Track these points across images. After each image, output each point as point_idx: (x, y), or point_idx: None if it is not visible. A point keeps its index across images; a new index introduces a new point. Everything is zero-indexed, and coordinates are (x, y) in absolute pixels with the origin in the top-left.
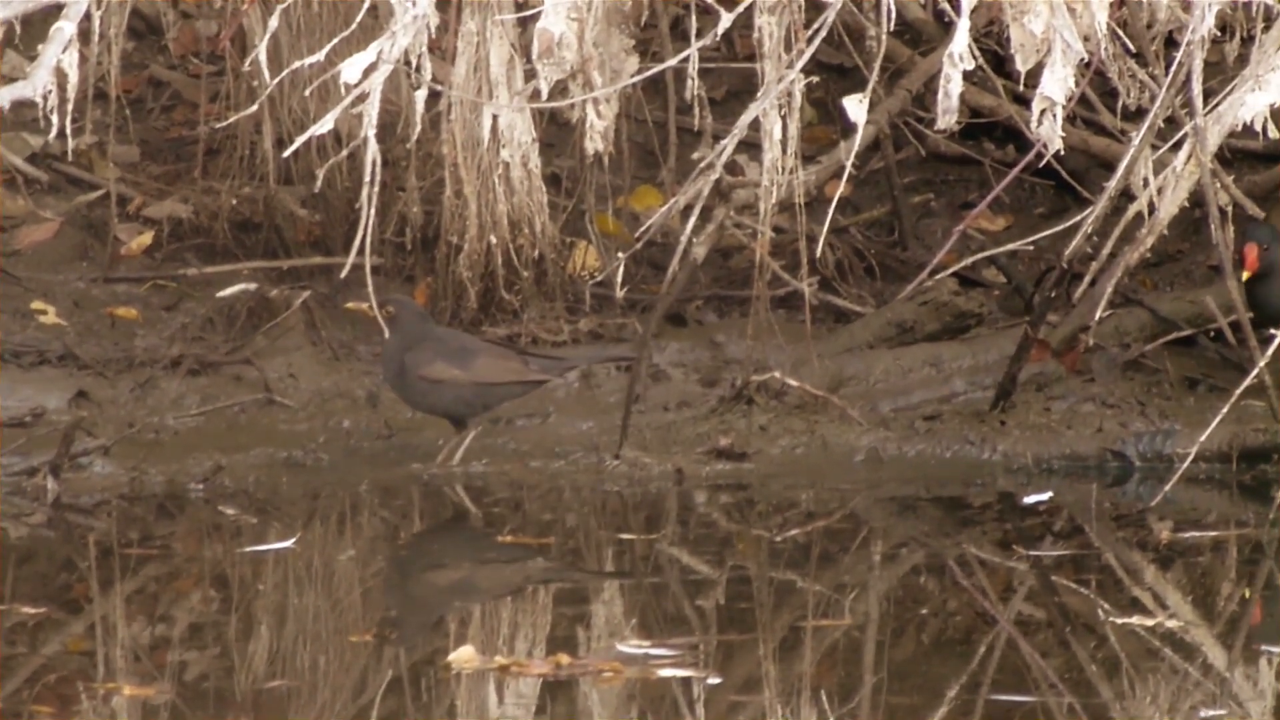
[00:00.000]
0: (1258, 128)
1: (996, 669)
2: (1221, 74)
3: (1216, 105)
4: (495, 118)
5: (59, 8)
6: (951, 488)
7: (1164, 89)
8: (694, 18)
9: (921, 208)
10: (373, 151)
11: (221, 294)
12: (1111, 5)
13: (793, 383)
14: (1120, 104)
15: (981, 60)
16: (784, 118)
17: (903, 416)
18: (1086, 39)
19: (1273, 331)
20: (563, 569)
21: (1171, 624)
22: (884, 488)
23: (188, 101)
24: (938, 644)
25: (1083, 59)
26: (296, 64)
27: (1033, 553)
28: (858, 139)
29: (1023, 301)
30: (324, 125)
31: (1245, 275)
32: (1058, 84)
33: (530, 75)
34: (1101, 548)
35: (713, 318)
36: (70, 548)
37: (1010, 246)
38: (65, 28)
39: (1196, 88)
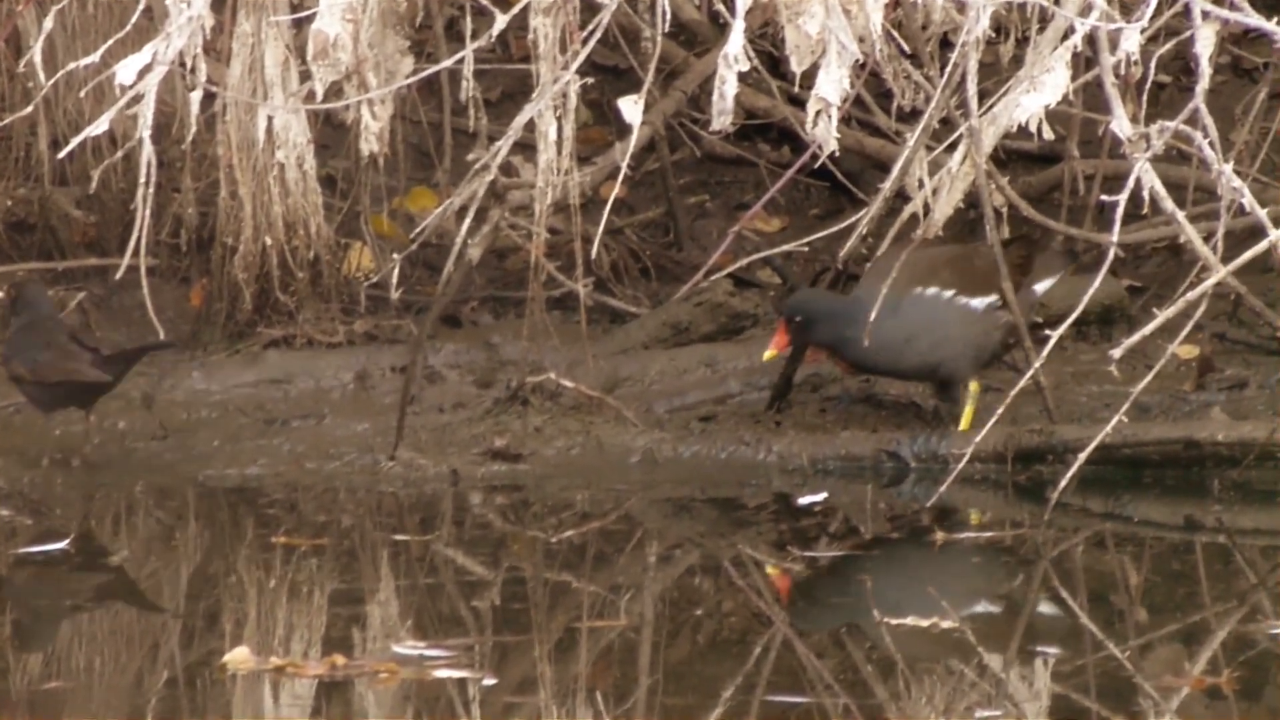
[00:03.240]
0: (1033, 129)
1: (772, 670)
2: (996, 75)
3: (991, 106)
4: (270, 119)
5: None
6: (727, 489)
7: (939, 90)
8: (469, 19)
9: (697, 209)
10: (148, 153)
11: None
12: (886, 6)
13: (568, 384)
14: (895, 105)
15: (757, 61)
16: (559, 119)
17: (678, 417)
18: (861, 40)
19: (1047, 332)
20: (337, 570)
21: (946, 624)
22: (659, 489)
23: None
24: (713, 645)
25: (858, 60)
26: (72, 65)
27: (808, 553)
28: (633, 140)
29: None
30: (99, 126)
31: (771, 354)
32: (833, 85)
33: (305, 76)
34: (877, 548)
35: (488, 319)
36: None
37: (785, 248)
38: None
39: (971, 89)
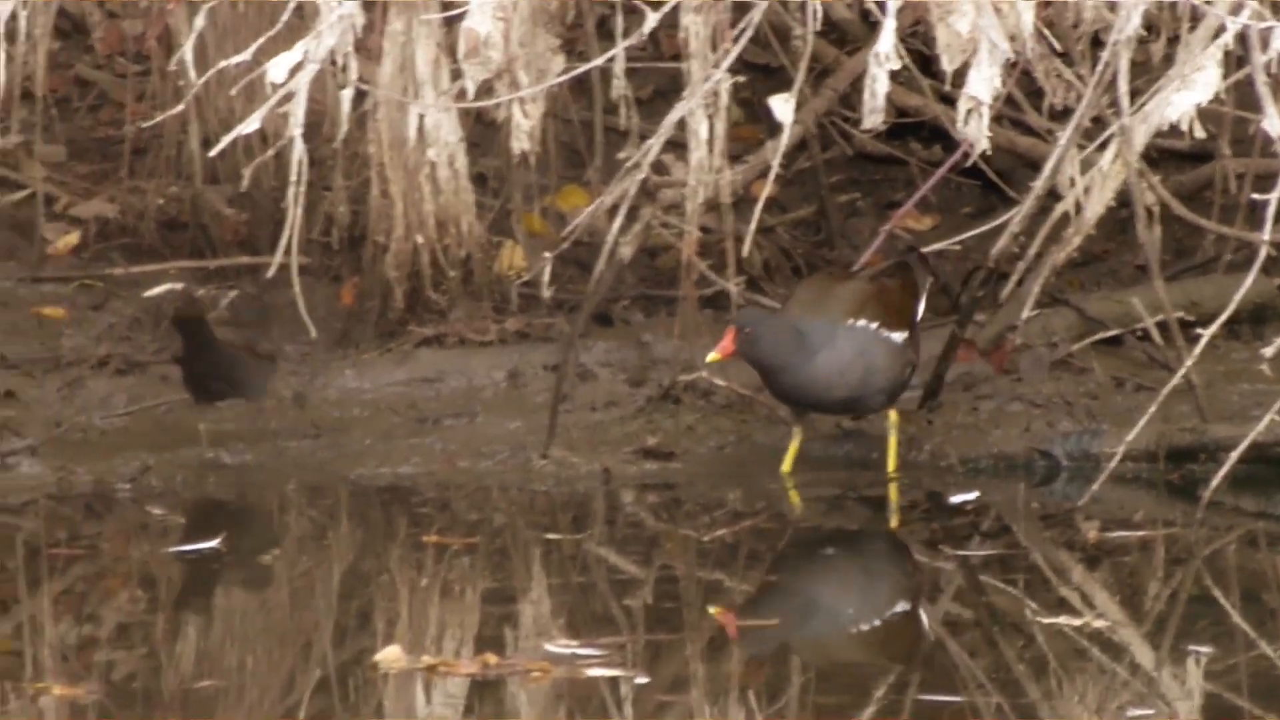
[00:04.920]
0: (1184, 127)
1: (924, 668)
2: (1148, 74)
3: (1143, 105)
4: (421, 117)
5: None
6: (879, 487)
7: (1090, 88)
8: (620, 17)
9: (848, 207)
10: (299, 151)
11: (148, 293)
12: (1038, 5)
13: (720, 382)
14: (1047, 103)
15: (908, 60)
16: (710, 117)
17: (829, 416)
18: (1013, 38)
19: (1199, 331)
20: (489, 569)
21: (1099, 623)
22: (811, 487)
23: (114, 101)
24: (866, 643)
25: (1009, 58)
26: (223, 63)
27: (960, 552)
28: (784, 139)
29: (950, 301)
30: (250, 125)
31: (714, 357)
32: (984, 84)
33: (456, 75)
34: (1029, 547)
35: (640, 317)
36: None
37: (937, 246)
38: None
39: (1123, 87)
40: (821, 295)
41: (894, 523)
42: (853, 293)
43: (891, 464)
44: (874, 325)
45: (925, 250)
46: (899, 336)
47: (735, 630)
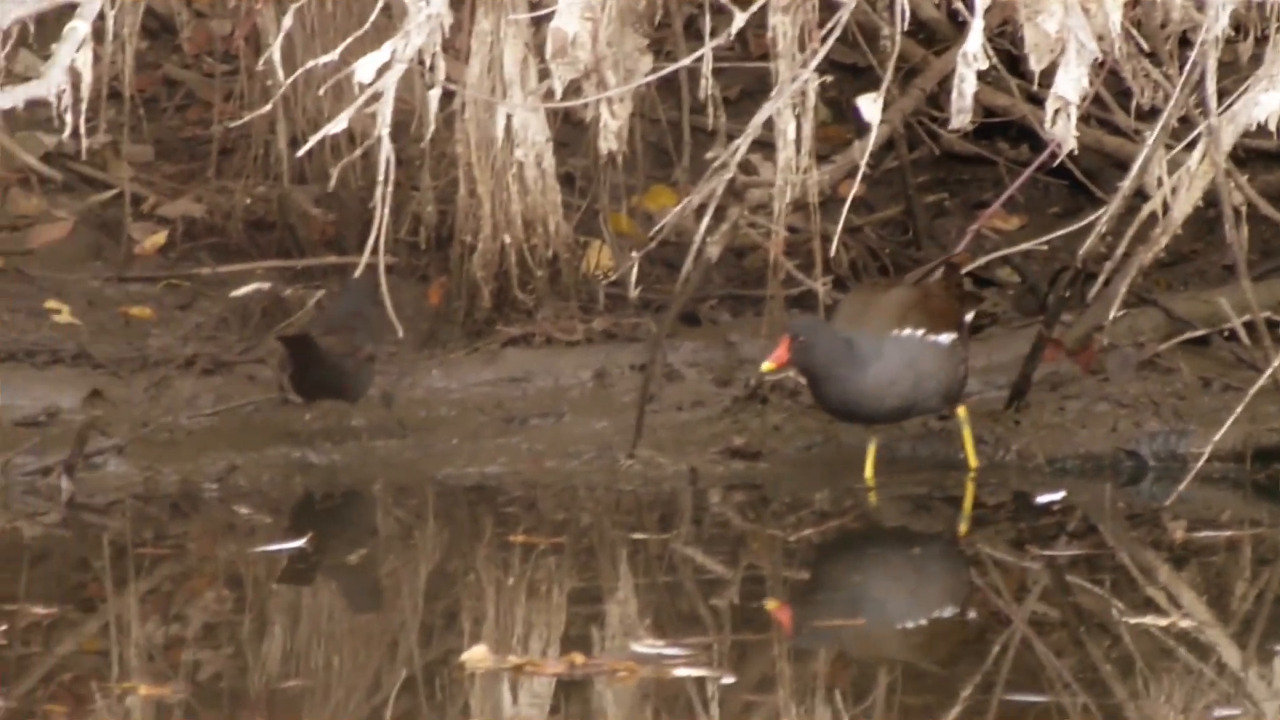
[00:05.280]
0: (1272, 127)
1: (1011, 668)
2: (1235, 73)
3: (1231, 105)
4: (509, 117)
5: (73, 7)
6: (965, 487)
7: (1178, 88)
8: (708, 17)
9: (936, 207)
10: (387, 151)
11: (235, 293)
12: (1126, 5)
13: (806, 381)
14: (1134, 103)
15: (995, 60)
16: (798, 117)
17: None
18: (1101, 38)
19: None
20: (575, 568)
21: (1186, 623)
22: (897, 487)
23: (202, 101)
24: (952, 643)
25: (1097, 58)
26: (310, 63)
27: (1047, 552)
28: (872, 138)
29: (1037, 301)
30: (338, 124)
31: (769, 367)
32: (1072, 83)
33: (544, 74)
34: (1115, 547)
35: (727, 317)
36: (84, 547)
37: (1024, 246)
38: (79, 27)
39: (1211, 87)
40: (865, 307)
41: (977, 523)
42: (896, 302)
43: (971, 459)
44: (920, 332)
45: (1013, 250)
46: (947, 338)
47: (788, 624)
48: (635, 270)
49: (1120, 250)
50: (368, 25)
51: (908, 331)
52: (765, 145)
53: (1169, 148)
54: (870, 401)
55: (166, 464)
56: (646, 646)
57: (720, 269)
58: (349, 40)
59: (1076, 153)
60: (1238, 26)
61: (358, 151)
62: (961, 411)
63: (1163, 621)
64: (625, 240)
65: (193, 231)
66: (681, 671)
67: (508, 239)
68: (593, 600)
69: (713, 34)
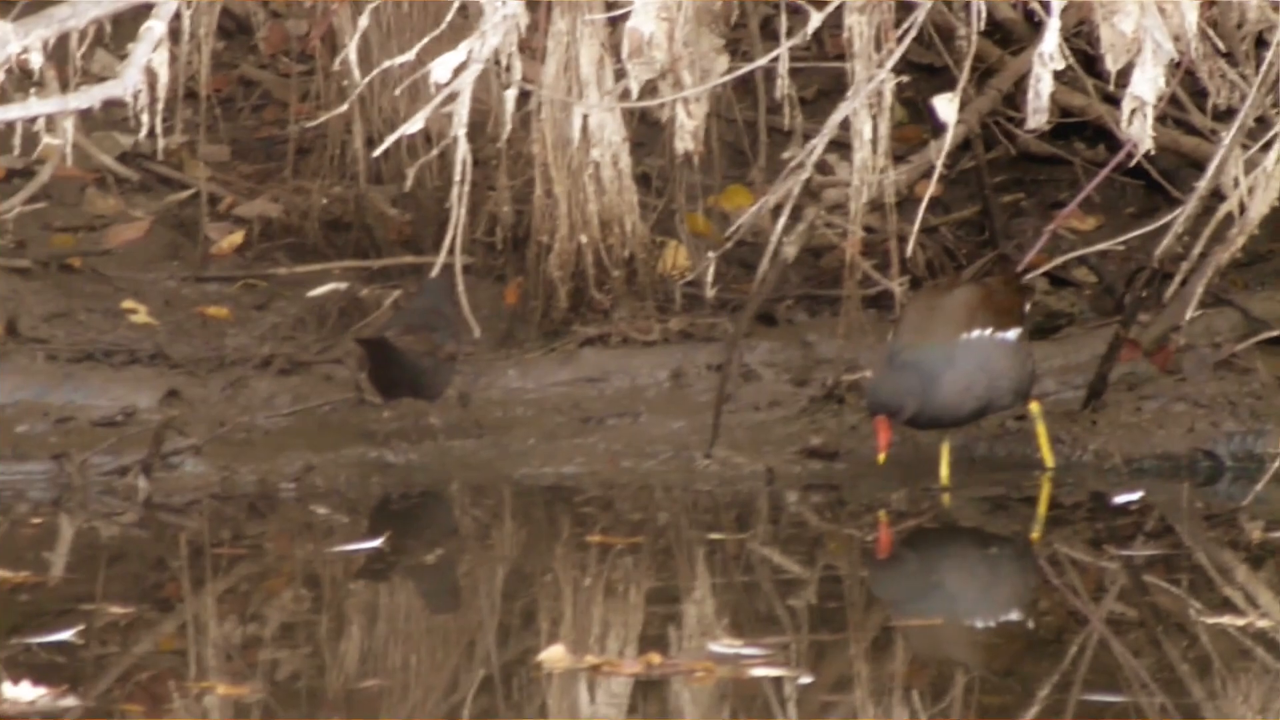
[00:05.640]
0: None
1: (1088, 668)
2: None
3: None
4: (585, 117)
5: (149, 7)
6: (1042, 487)
7: (1254, 89)
8: (784, 17)
9: (1012, 207)
10: (463, 151)
11: (312, 293)
12: (1202, 5)
13: None
14: (1210, 103)
15: (1072, 60)
16: (874, 117)
17: (992, 416)
18: (1177, 38)
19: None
20: (652, 568)
21: (1263, 624)
22: (974, 487)
23: (278, 101)
24: (1030, 643)
25: (1173, 58)
26: (386, 63)
27: (1124, 552)
28: (948, 138)
29: (1114, 301)
30: (414, 125)
31: (884, 458)
32: (1148, 83)
33: (620, 75)
34: (1192, 547)
35: (803, 317)
36: (162, 547)
37: (1101, 246)
38: (155, 27)
39: None
40: (930, 314)
41: (1054, 524)
42: (961, 303)
43: (1047, 458)
44: (988, 331)
45: (1090, 250)
46: (1014, 334)
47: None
48: (711, 270)
49: (1197, 250)
50: (444, 25)
51: (976, 333)
52: (841, 145)
53: (1245, 147)
54: (950, 412)
55: (243, 464)
56: (724, 646)
57: (797, 269)
58: (425, 40)
59: (1153, 153)
60: None
61: (434, 152)
62: (1035, 407)
63: (1240, 621)
64: (701, 240)
65: (269, 231)
66: (759, 671)
67: (584, 239)
68: (670, 600)
69: (789, 34)
